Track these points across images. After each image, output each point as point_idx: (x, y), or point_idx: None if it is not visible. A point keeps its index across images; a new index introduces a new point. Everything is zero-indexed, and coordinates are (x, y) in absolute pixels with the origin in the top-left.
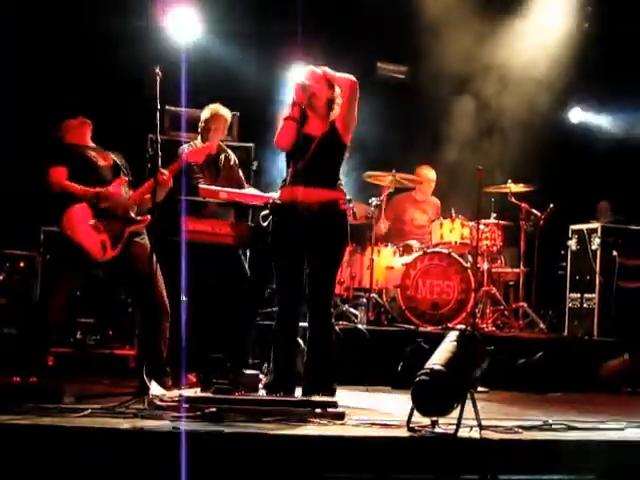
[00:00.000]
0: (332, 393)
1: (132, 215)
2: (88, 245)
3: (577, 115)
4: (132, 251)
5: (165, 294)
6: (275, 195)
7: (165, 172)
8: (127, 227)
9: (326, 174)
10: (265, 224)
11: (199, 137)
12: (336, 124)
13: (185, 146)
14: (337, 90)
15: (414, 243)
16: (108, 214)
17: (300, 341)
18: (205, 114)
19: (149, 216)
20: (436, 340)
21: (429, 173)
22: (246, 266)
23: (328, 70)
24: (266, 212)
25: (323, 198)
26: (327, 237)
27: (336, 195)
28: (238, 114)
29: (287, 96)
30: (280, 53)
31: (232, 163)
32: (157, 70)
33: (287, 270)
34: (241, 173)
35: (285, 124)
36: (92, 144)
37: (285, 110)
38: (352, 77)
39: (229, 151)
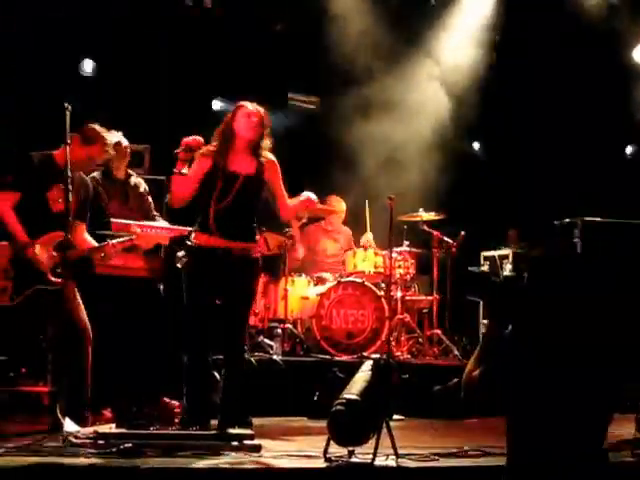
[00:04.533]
0: (248, 425)
1: (46, 274)
2: None
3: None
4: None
5: (88, 324)
6: (188, 229)
7: (114, 245)
8: (34, 284)
9: (245, 221)
10: (179, 266)
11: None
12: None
13: (92, 176)
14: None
15: (328, 275)
16: (22, 265)
17: (215, 374)
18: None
19: (60, 279)
20: (352, 369)
21: (338, 204)
22: (160, 298)
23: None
24: (182, 254)
25: (239, 247)
26: (241, 280)
27: (251, 245)
28: (149, 146)
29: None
30: (193, 86)
31: (142, 190)
32: (66, 105)
33: (199, 307)
34: (151, 201)
35: (176, 181)
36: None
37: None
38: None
39: (139, 178)
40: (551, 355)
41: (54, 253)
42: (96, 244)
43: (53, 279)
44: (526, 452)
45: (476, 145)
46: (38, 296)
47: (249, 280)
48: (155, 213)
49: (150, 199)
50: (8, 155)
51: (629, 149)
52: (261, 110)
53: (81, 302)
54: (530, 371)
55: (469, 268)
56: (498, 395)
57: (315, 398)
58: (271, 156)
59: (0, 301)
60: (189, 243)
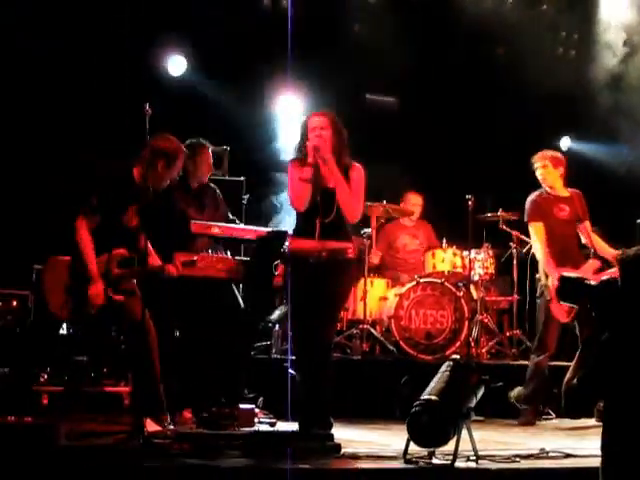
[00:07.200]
0: (328, 426)
1: (107, 292)
2: (52, 301)
3: (566, 143)
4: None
5: (152, 329)
6: (267, 229)
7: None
8: (95, 304)
9: (341, 226)
10: (276, 273)
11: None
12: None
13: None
14: (344, 134)
15: (406, 277)
16: (83, 283)
17: (294, 373)
18: (187, 146)
19: (123, 297)
20: (431, 370)
21: (414, 198)
22: (239, 300)
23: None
24: (277, 262)
25: (334, 247)
26: (333, 280)
27: (345, 245)
28: (228, 148)
29: (278, 130)
30: (268, 86)
31: (217, 196)
32: (147, 107)
33: (302, 312)
34: (226, 207)
35: (301, 186)
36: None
37: (295, 161)
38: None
39: (213, 185)
40: None
41: (117, 270)
42: (157, 258)
43: (115, 297)
44: (625, 452)
45: (565, 140)
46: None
47: (341, 278)
48: (232, 218)
49: (225, 206)
50: (90, 170)
51: None
52: (327, 115)
53: (145, 306)
54: (630, 372)
55: (564, 274)
56: (598, 399)
57: (395, 399)
58: (356, 163)
59: (61, 314)
60: (286, 250)
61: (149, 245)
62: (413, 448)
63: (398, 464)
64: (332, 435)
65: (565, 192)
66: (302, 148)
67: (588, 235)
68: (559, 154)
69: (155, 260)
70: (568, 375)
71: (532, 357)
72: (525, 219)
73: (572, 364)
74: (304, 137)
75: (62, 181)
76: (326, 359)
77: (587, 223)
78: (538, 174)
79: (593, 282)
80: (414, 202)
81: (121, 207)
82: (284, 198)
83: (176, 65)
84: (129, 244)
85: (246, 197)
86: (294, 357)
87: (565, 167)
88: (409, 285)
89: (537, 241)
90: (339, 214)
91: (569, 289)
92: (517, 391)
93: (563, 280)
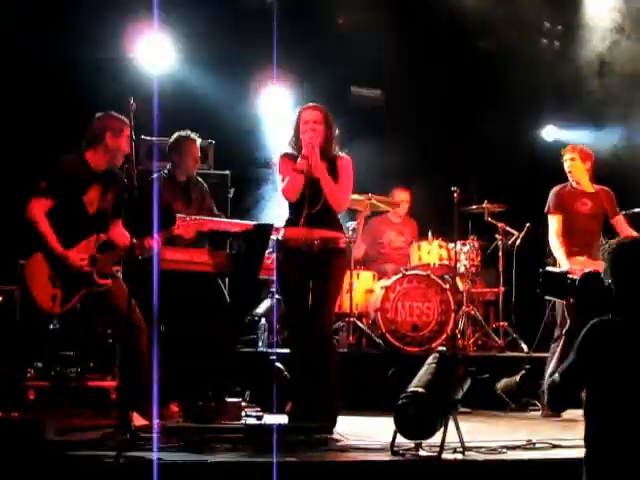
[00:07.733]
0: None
1: (93, 277)
2: (39, 296)
3: (551, 133)
4: (99, 300)
5: (142, 323)
6: (253, 223)
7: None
8: (82, 288)
9: (329, 215)
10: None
11: (169, 164)
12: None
13: (156, 175)
14: (334, 128)
15: (391, 267)
16: (67, 272)
17: (280, 366)
18: (174, 139)
19: (110, 281)
20: (418, 362)
21: (401, 194)
22: (225, 294)
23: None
24: (270, 250)
25: (325, 236)
26: (326, 271)
27: (336, 234)
28: (213, 142)
29: (264, 123)
30: (254, 80)
31: (203, 190)
32: (131, 101)
33: (295, 303)
34: (212, 201)
35: (295, 178)
36: (112, 166)
37: (288, 154)
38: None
39: (200, 179)
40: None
41: (97, 255)
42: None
43: (100, 281)
44: (606, 443)
45: (546, 131)
46: (87, 299)
47: (334, 268)
48: (217, 212)
49: (211, 200)
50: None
51: None
52: (320, 109)
53: (131, 297)
54: (611, 364)
55: (547, 268)
56: (580, 391)
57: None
58: (344, 155)
59: (52, 309)
60: (279, 239)
61: (121, 227)
62: (400, 440)
63: (385, 456)
64: (320, 427)
65: (590, 188)
66: (296, 140)
67: (624, 229)
68: (588, 149)
69: (126, 240)
70: (551, 368)
71: (553, 346)
72: (545, 210)
73: (554, 360)
74: (297, 129)
75: None
76: (329, 350)
77: (620, 217)
78: (566, 166)
79: (576, 276)
80: (401, 198)
81: (79, 191)
82: (269, 192)
83: (162, 58)
84: (100, 230)
85: (232, 191)
86: (290, 350)
87: (592, 162)
88: (395, 277)
89: (552, 232)
90: (327, 204)
91: (551, 283)
92: (504, 382)
93: (545, 275)
